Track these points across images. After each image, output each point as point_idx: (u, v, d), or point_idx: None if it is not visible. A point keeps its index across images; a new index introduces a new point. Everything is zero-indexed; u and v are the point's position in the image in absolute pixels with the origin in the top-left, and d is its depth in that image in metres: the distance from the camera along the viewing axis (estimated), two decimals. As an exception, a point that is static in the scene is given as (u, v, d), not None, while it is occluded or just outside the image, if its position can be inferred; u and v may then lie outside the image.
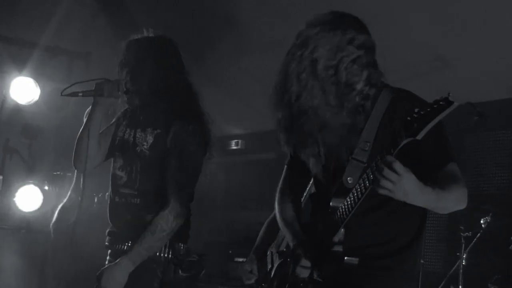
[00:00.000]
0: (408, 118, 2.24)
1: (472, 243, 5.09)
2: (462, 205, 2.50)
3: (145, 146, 3.22)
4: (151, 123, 3.24)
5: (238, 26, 6.38)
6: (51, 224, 5.13)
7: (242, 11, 6.25)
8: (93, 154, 3.25)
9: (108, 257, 3.34)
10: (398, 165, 2.25)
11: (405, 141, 2.26)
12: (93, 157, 3.27)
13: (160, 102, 3.23)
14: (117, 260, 3.12)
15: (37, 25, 6.20)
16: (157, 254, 3.18)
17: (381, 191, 2.29)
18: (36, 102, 5.75)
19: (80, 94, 3.21)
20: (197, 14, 6.45)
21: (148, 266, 3.14)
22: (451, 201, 2.47)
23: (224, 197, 8.06)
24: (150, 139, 3.23)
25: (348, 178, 2.54)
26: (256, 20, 6.26)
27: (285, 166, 3.05)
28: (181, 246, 3.28)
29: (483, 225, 5.05)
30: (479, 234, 5.07)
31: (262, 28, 6.32)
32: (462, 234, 5.12)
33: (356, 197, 2.43)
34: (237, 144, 8.05)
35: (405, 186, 2.28)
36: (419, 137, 2.24)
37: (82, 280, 4.77)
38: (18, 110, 5.84)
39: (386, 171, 2.26)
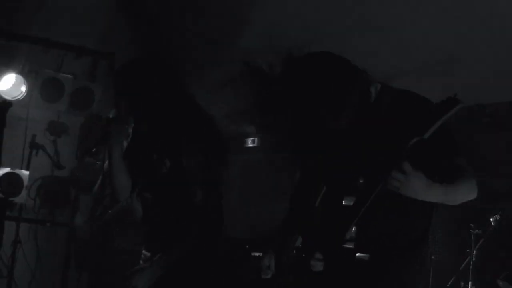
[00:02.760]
0: (415, 118, 2.38)
1: (481, 241, 5.19)
2: (472, 195, 2.63)
3: (164, 170, 3.32)
4: (166, 147, 3.33)
5: (252, 27, 6.46)
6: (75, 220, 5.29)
7: (257, 13, 6.33)
8: (127, 184, 3.43)
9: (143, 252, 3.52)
10: (406, 166, 2.40)
11: (413, 141, 2.39)
12: (128, 187, 3.45)
13: (168, 126, 3.30)
14: (149, 263, 3.30)
15: (61, 25, 6.34)
16: None
17: (390, 188, 2.44)
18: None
19: (94, 149, 3.35)
20: (212, 14, 6.52)
21: None
22: (460, 193, 2.60)
23: (240, 193, 8.16)
24: (167, 162, 3.32)
25: (360, 178, 2.64)
26: (269, 22, 6.33)
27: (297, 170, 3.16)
28: None
29: (492, 223, 5.14)
30: (488, 232, 5.17)
31: (276, 29, 6.39)
32: (472, 231, 5.19)
33: (366, 196, 2.53)
34: (253, 142, 8.14)
35: (413, 185, 2.43)
36: (425, 136, 2.38)
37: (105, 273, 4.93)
38: (44, 107, 5.98)
39: (394, 172, 2.41)
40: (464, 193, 2.61)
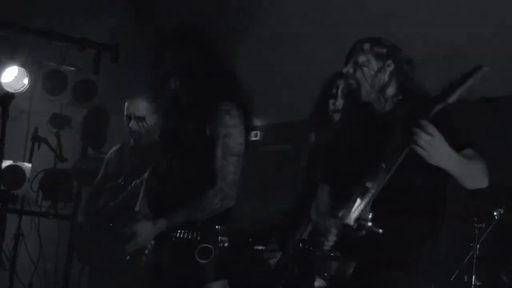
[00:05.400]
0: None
1: (485, 235, 5.19)
2: (485, 179, 2.66)
3: (185, 137, 3.31)
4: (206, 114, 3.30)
5: (259, 21, 6.47)
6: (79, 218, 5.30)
7: (265, 7, 6.35)
8: None
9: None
10: (431, 127, 2.41)
11: (438, 107, 2.42)
12: None
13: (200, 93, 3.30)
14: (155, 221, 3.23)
15: (64, 17, 6.34)
16: None
17: (417, 150, 2.44)
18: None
19: None
20: (221, 8, 6.54)
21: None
22: (478, 170, 2.63)
23: (243, 186, 8.18)
24: (190, 128, 3.31)
25: (383, 164, 2.62)
26: (277, 16, 6.35)
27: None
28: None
29: (496, 217, 5.15)
30: (492, 226, 5.18)
31: (282, 23, 6.41)
32: (475, 225, 5.20)
33: (384, 178, 2.57)
34: (255, 135, 8.17)
35: (439, 147, 2.44)
36: (450, 100, 2.40)
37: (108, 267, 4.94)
38: (47, 100, 5.99)
39: (420, 132, 2.42)
40: (481, 172, 2.63)
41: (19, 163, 5.76)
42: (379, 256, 2.68)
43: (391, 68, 2.86)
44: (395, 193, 2.61)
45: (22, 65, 5.77)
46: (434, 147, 2.42)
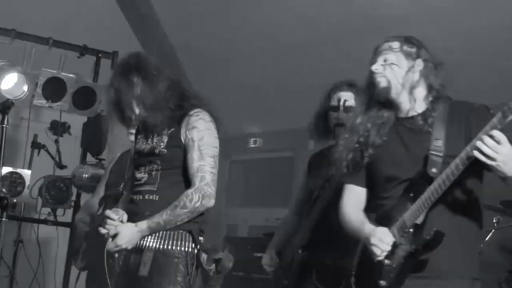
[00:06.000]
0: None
1: (484, 242, 5.19)
2: None
3: (162, 146, 3.31)
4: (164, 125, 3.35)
5: (257, 30, 6.49)
6: (76, 217, 5.28)
7: (261, 16, 6.37)
8: None
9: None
10: (502, 137, 2.41)
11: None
12: None
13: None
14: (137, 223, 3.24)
15: (64, 25, 6.36)
16: (179, 248, 3.27)
17: (485, 160, 2.44)
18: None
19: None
20: (220, 18, 6.57)
21: (170, 260, 3.25)
22: None
23: (243, 193, 8.20)
24: (165, 138, 3.32)
25: (433, 169, 2.67)
26: (275, 24, 6.37)
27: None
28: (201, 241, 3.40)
29: (495, 224, 5.16)
30: (491, 233, 5.18)
31: (280, 31, 6.43)
32: None
33: (443, 183, 2.60)
34: (255, 142, 8.19)
35: (507, 154, 2.43)
36: None
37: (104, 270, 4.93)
38: (46, 107, 5.99)
39: (489, 141, 2.41)
40: None
41: (19, 170, 5.75)
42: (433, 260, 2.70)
43: (420, 67, 2.86)
44: (446, 196, 2.66)
45: (22, 72, 5.76)
46: (501, 155, 2.42)
